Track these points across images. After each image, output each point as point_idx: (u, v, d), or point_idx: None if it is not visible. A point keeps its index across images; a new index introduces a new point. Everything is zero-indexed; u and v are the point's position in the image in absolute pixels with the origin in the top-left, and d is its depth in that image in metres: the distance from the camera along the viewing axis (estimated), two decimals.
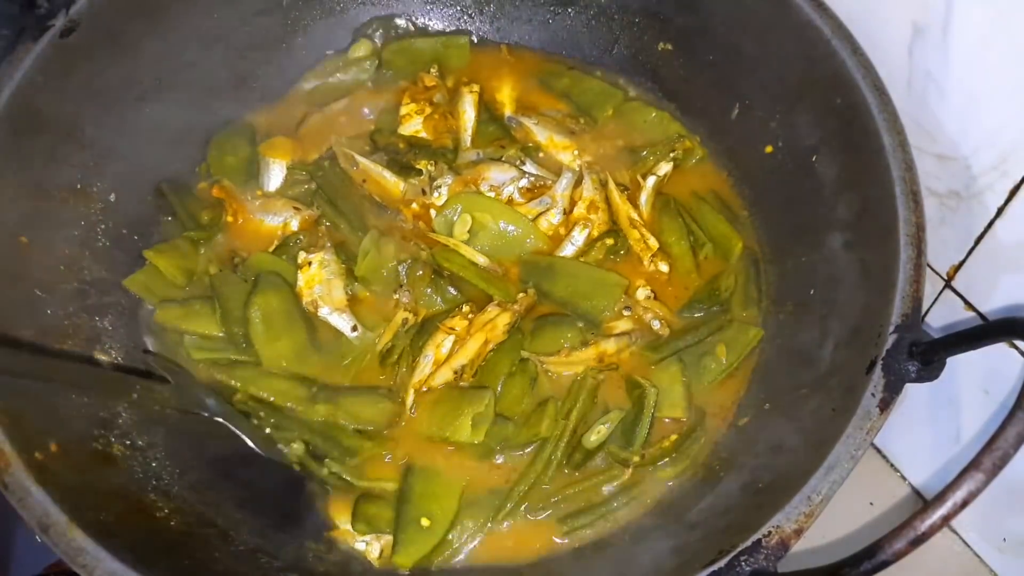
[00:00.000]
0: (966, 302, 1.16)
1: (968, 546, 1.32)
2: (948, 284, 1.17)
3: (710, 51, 1.35)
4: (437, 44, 1.50)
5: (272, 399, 1.16)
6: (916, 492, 1.38)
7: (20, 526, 0.89)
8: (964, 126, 1.06)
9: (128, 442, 1.09)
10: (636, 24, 1.43)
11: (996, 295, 1.11)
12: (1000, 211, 1.05)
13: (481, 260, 1.25)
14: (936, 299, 1.20)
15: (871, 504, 1.36)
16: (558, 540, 1.10)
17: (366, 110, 1.45)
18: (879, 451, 1.41)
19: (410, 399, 1.16)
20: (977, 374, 1.15)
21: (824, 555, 1.23)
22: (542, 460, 1.11)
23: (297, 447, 1.13)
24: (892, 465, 1.40)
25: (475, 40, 1.52)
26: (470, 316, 1.20)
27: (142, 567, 0.87)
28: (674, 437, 1.14)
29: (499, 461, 1.14)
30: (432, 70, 1.46)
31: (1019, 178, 1.01)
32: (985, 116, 1.03)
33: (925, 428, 1.28)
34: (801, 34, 1.17)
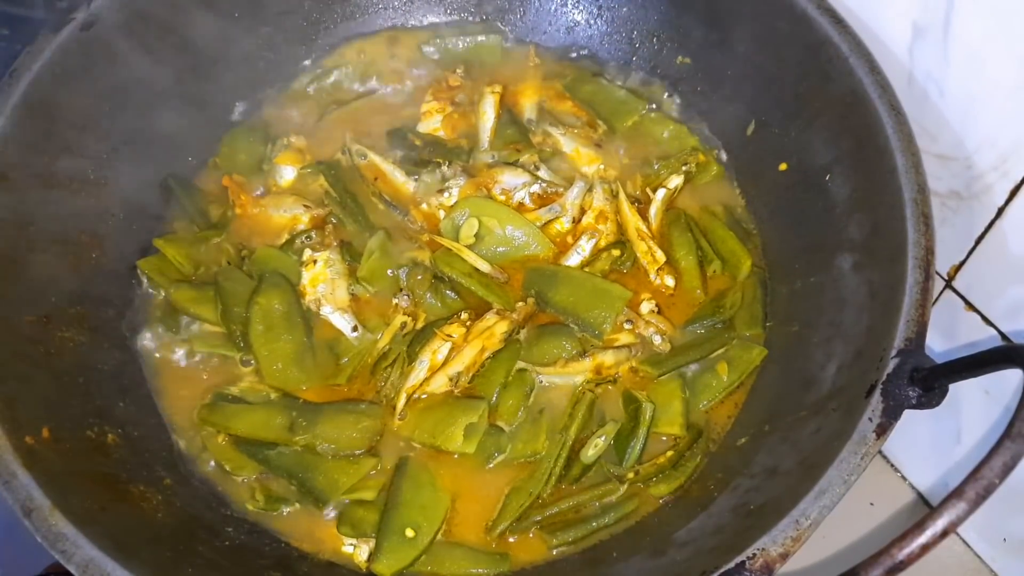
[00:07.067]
0: (967, 302, 1.14)
1: (968, 546, 1.31)
2: (949, 284, 1.16)
3: (728, 66, 1.34)
4: (469, 43, 1.50)
5: (252, 435, 1.12)
6: (916, 492, 1.36)
7: (20, 526, 0.89)
8: (964, 126, 1.05)
9: (122, 431, 1.09)
10: (655, 37, 1.43)
11: (997, 296, 1.09)
12: (1001, 211, 1.04)
13: (483, 266, 1.23)
14: (937, 299, 1.17)
15: (871, 504, 1.34)
16: (545, 552, 1.08)
17: (388, 106, 1.45)
18: (880, 451, 1.38)
19: (401, 403, 1.14)
20: None
21: (822, 554, 1.24)
22: (540, 479, 1.09)
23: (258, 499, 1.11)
24: (892, 465, 1.38)
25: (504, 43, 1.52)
26: (468, 323, 1.18)
27: (122, 556, 0.87)
28: (670, 454, 1.12)
29: (493, 474, 1.12)
30: (458, 70, 1.46)
31: (1019, 178, 1.00)
32: (985, 116, 1.02)
33: (925, 427, 1.26)
34: (819, 51, 1.16)
